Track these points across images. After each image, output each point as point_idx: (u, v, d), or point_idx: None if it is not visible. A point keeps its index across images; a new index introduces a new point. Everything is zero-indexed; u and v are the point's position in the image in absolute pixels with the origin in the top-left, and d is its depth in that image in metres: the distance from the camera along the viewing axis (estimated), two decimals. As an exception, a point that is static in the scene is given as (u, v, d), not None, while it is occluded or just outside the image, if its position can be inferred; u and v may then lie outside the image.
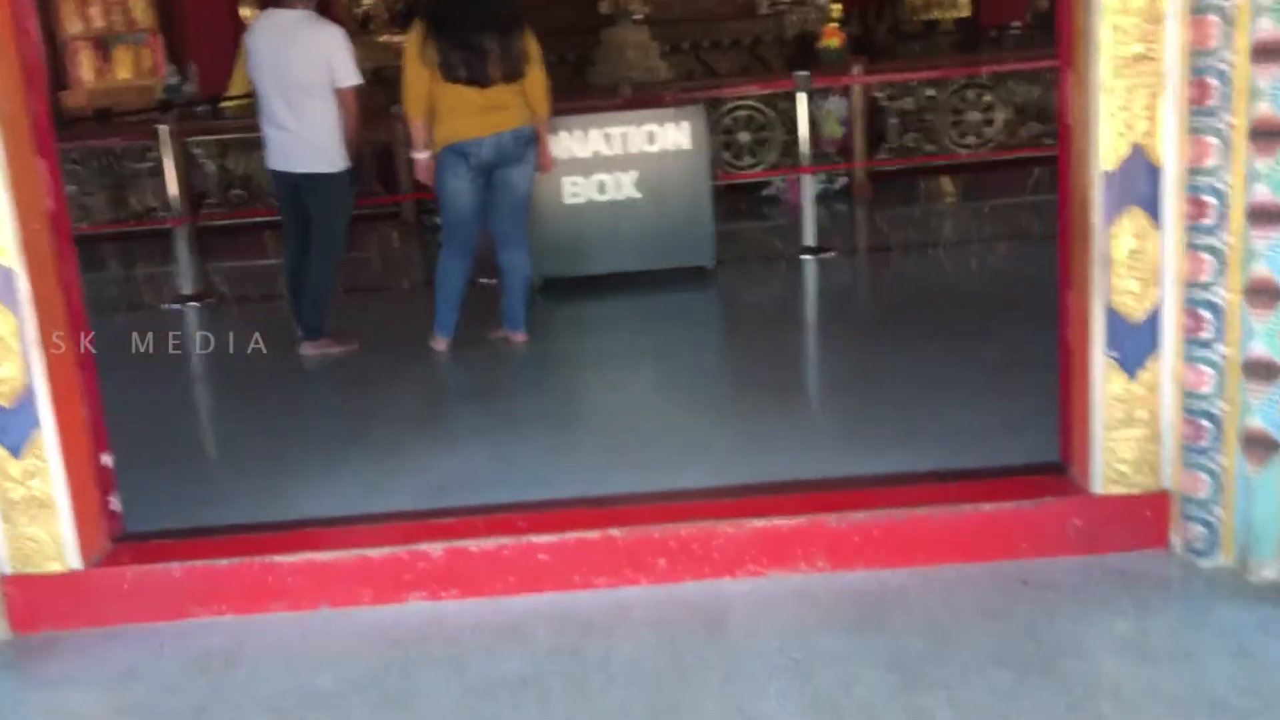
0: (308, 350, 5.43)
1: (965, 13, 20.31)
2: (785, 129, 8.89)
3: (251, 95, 15.30)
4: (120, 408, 4.79)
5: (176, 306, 6.86)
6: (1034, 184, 8.71)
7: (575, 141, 6.25)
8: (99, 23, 21.44)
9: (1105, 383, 2.81)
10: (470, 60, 4.89)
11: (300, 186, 5.24)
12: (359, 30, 20.37)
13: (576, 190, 6.30)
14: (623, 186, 6.29)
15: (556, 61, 11.98)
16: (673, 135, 6.25)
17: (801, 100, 6.75)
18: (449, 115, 4.97)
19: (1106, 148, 2.69)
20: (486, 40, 4.91)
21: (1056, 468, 3.09)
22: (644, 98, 7.57)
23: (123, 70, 21.73)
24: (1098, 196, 2.73)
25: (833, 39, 9.54)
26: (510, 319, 5.38)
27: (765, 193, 8.90)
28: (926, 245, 7.01)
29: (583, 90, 9.88)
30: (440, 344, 5.30)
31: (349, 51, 5.09)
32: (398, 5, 20.12)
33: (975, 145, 8.91)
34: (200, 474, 4.03)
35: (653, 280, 6.31)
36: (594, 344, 5.34)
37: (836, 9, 15.11)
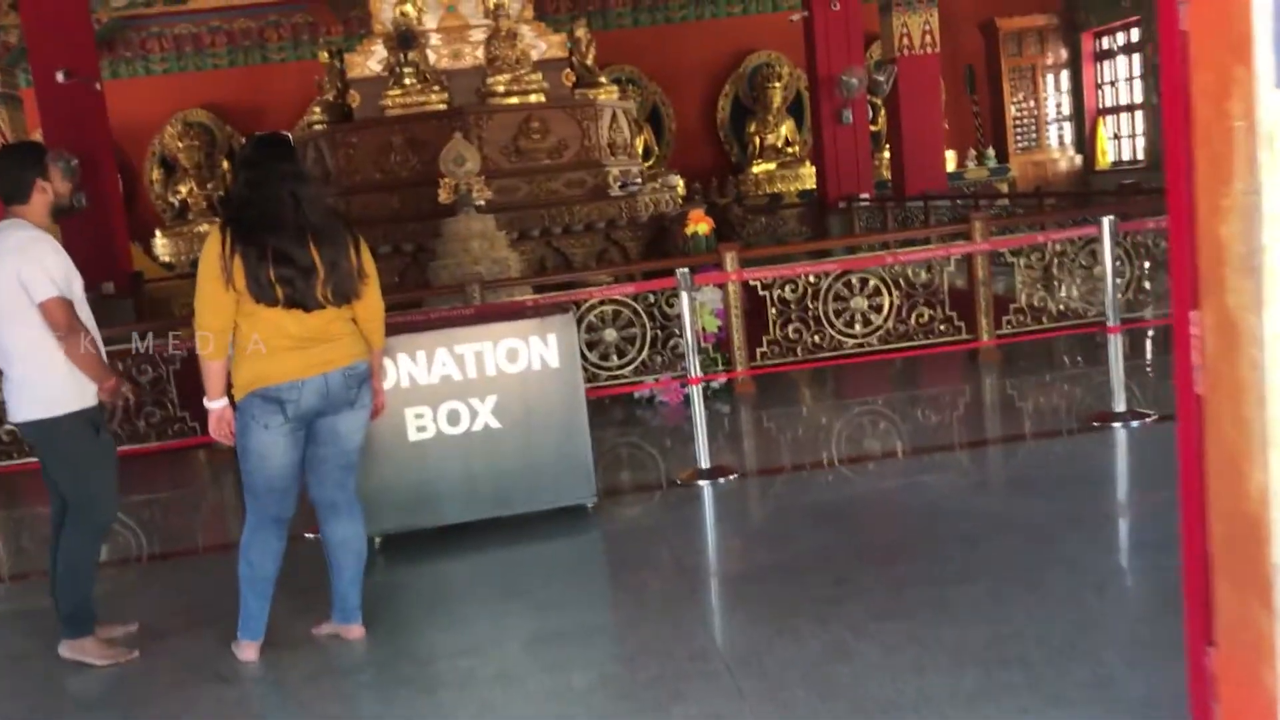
0: (65, 652, 4.06)
1: (808, 184, 20.33)
2: (653, 322, 7.98)
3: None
4: None
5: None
6: (930, 375, 7.95)
7: (419, 365, 5.10)
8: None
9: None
10: (290, 278, 3.74)
11: (29, 442, 4.24)
12: (175, 219, 19.16)
13: (422, 423, 5.12)
14: (479, 416, 5.14)
15: (392, 252, 10.94)
16: (538, 350, 5.16)
17: (685, 300, 5.78)
18: (257, 351, 3.80)
19: (1285, 438, 1.70)
20: (310, 252, 3.79)
21: None
22: (501, 307, 6.48)
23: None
24: (1273, 519, 1.71)
25: (701, 224, 8.72)
26: (341, 609, 4.10)
27: (638, 394, 7.88)
28: (831, 461, 6.03)
29: (424, 288, 8.79)
30: (249, 652, 3.98)
31: (41, 257, 3.91)
32: (217, 193, 19.02)
33: (863, 335, 8.11)
34: None
35: (522, 527, 5.13)
36: (452, 637, 4.05)
37: (679, 183, 14.65)
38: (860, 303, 8.09)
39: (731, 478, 5.67)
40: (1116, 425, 5.76)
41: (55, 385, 3.94)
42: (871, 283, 8.09)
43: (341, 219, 4.07)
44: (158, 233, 18.93)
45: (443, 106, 11.57)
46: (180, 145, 19.13)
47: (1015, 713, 3.03)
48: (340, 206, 11.52)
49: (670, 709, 3.23)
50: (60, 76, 14.25)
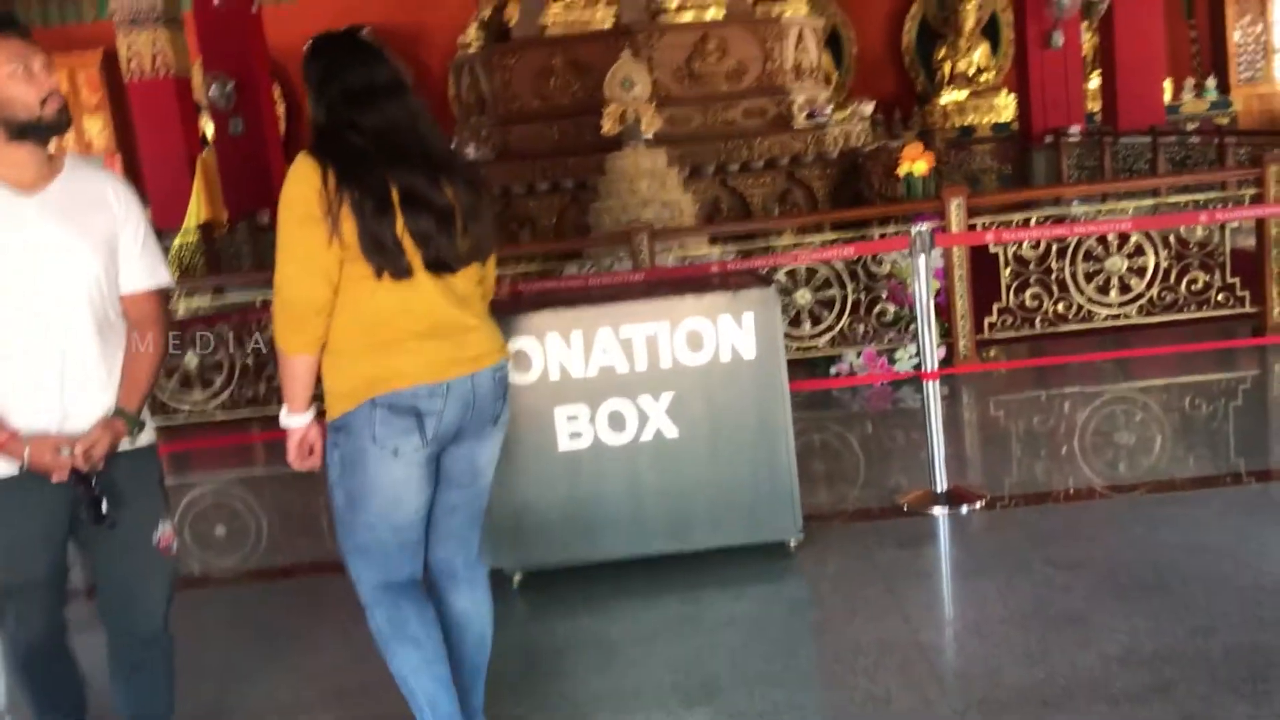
0: None
1: (1003, 116, 18.34)
2: (855, 283, 6.60)
3: (212, 226, 12.86)
4: None
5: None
6: (1209, 358, 6.33)
7: (574, 350, 3.86)
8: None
9: None
10: (429, 232, 2.54)
11: None
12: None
13: (576, 428, 3.88)
14: (650, 420, 3.88)
15: (550, 190, 9.72)
16: (730, 335, 3.86)
17: (922, 266, 4.37)
18: (380, 337, 2.59)
19: None
20: (445, 192, 2.58)
21: None
22: (681, 275, 5.19)
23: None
24: None
25: (919, 162, 7.23)
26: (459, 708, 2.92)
27: (834, 370, 6.53)
28: (1111, 485, 4.54)
29: (581, 236, 7.57)
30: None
31: None
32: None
33: (1120, 304, 6.54)
34: None
35: (704, 570, 3.89)
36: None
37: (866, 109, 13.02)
38: (1118, 264, 6.51)
39: (976, 506, 4.29)
40: None
41: None
42: (1133, 239, 6.50)
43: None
44: (318, 160, 18.20)
45: (609, 24, 10.24)
46: (342, 70, 18.35)
47: None
48: (498, 138, 10.37)
49: None
50: (216, -1, 13.58)
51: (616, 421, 3.88)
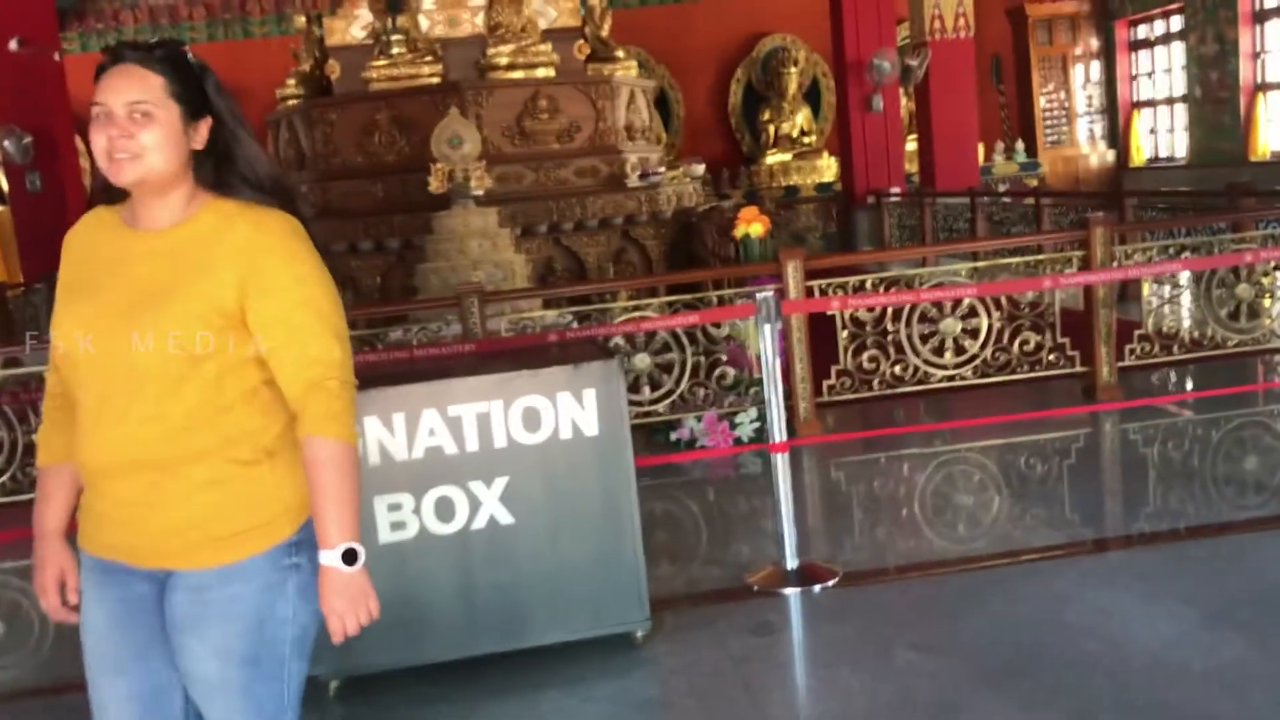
0: None
1: (826, 177, 18.74)
2: (694, 346, 6.41)
3: (5, 288, 11.78)
4: None
5: None
6: (1044, 416, 6.35)
7: (396, 433, 3.49)
8: None
9: None
10: None
11: None
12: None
13: (399, 517, 3.50)
14: (482, 506, 3.53)
15: (374, 249, 9.32)
16: (569, 412, 3.56)
17: (767, 335, 4.16)
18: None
19: None
20: None
21: None
22: (515, 348, 4.87)
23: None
24: None
25: (754, 225, 7.11)
26: None
27: (675, 435, 6.30)
28: (969, 555, 4.40)
29: (408, 299, 7.18)
30: None
31: None
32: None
33: (955, 365, 6.52)
34: None
35: (542, 668, 3.54)
36: None
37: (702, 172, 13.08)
38: (952, 325, 6.50)
39: (829, 584, 4.07)
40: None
41: None
42: (966, 301, 6.51)
43: None
44: (124, 219, 17.18)
45: (436, 80, 9.95)
46: (153, 124, 17.45)
47: None
48: (318, 195, 9.90)
49: None
50: (13, 45, 12.71)
51: (445, 510, 3.52)
